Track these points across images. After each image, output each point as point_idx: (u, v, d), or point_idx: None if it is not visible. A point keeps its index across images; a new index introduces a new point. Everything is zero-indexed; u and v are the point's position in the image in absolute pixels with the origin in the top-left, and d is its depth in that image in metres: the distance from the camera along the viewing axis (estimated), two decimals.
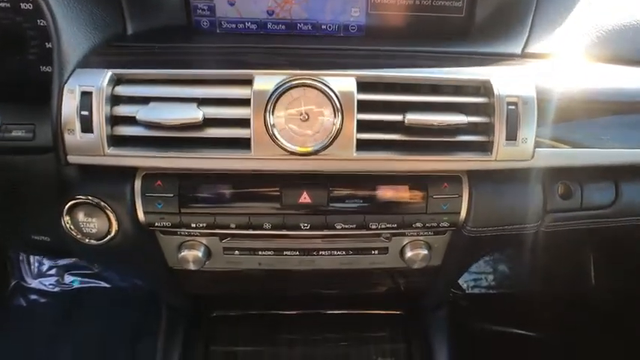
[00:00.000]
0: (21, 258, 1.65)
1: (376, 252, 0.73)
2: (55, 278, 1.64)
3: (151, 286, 0.83)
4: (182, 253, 0.70)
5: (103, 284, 1.64)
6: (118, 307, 1.56)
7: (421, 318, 0.85)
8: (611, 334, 1.42)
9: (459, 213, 0.68)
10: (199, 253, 0.70)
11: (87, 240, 0.65)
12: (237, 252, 0.71)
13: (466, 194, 0.67)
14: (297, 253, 0.72)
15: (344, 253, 0.72)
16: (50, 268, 1.67)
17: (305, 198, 0.66)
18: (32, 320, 1.50)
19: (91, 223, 0.64)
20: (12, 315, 1.53)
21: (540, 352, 1.47)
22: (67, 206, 0.63)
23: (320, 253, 0.72)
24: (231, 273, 0.75)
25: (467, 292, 1.65)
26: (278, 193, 0.64)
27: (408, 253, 0.72)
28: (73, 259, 1.68)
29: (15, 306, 1.56)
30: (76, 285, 1.63)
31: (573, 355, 1.44)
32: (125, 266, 0.75)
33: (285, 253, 0.71)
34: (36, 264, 1.67)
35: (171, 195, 0.64)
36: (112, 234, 0.65)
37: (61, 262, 1.68)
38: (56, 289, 1.62)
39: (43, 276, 1.65)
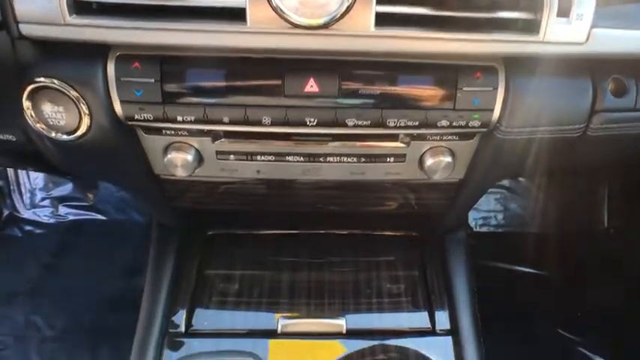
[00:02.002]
0: (12, 188, 1.60)
1: (392, 160, 0.63)
2: (50, 210, 1.60)
3: (138, 198, 0.74)
4: (169, 156, 0.61)
5: (99, 217, 1.60)
6: (115, 240, 1.52)
7: (437, 241, 0.77)
8: (619, 276, 1.38)
9: (492, 110, 0.58)
10: (189, 157, 0.61)
11: (55, 134, 0.56)
12: (232, 157, 0.62)
13: (502, 87, 0.56)
14: (302, 159, 0.62)
15: (355, 160, 0.63)
16: (43, 199, 1.62)
17: (312, 86, 0.56)
18: (28, 250, 1.47)
19: (58, 114, 0.54)
20: (7, 245, 1.49)
21: (547, 290, 1.43)
22: (26, 91, 0.53)
23: (327, 159, 0.62)
24: (226, 184, 0.67)
25: (475, 230, 1.61)
26: (279, 81, 0.54)
27: (429, 161, 0.62)
28: (67, 191, 1.63)
29: (9, 236, 1.52)
30: (71, 217, 1.59)
31: (580, 294, 1.40)
32: (106, 173, 0.66)
33: (287, 158, 0.62)
34: (28, 194, 1.62)
35: (152, 80, 0.54)
36: (84, 129, 0.55)
37: (55, 192, 1.62)
38: (51, 221, 1.58)
39: (36, 207, 1.60)
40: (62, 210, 1.59)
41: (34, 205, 1.59)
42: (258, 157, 0.61)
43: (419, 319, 0.68)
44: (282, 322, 0.66)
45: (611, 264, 1.45)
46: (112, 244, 1.50)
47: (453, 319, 0.67)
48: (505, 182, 1.70)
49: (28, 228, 1.55)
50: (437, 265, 0.73)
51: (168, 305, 0.71)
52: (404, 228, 0.79)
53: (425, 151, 0.62)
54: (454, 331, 0.66)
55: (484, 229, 1.63)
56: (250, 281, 0.74)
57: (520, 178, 1.70)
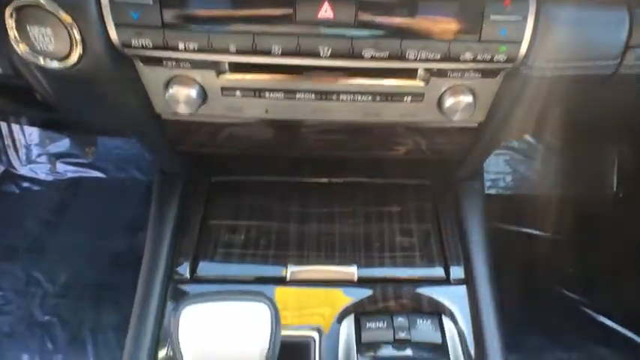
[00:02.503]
0: (7, 143, 1.55)
1: (409, 99, 0.59)
2: (47, 166, 1.56)
3: (138, 142, 0.70)
4: (170, 91, 0.56)
5: (99, 174, 1.56)
6: (115, 198, 1.49)
7: (451, 190, 0.73)
8: (624, 240, 1.37)
9: (520, 42, 0.53)
10: (192, 92, 0.56)
11: (43, 61, 0.51)
12: (238, 93, 0.57)
13: (532, 17, 0.52)
14: (312, 96, 0.58)
15: (370, 98, 0.58)
16: (40, 155, 1.58)
17: (326, 11, 0.51)
18: (26, 207, 1.44)
19: (46, 37, 0.50)
20: (4, 201, 1.46)
21: (553, 252, 1.42)
22: (9, 11, 0.48)
23: (340, 97, 0.58)
24: (232, 126, 0.63)
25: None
26: (291, 5, 0.49)
27: (448, 101, 0.58)
28: (64, 147, 1.59)
29: (6, 193, 1.49)
30: (69, 175, 1.55)
31: (585, 256, 1.40)
32: (103, 113, 0.62)
33: (297, 96, 0.58)
34: (24, 150, 1.58)
35: (151, 1, 0.49)
36: (76, 57, 0.50)
37: (52, 149, 1.58)
38: (50, 178, 1.54)
39: (33, 163, 1.56)
40: (60, 167, 1.55)
41: (30, 162, 1.55)
42: (266, 94, 0.56)
43: (432, 269, 0.65)
44: (291, 268, 0.64)
45: (618, 228, 1.43)
46: (113, 202, 1.47)
47: (468, 269, 0.64)
48: (515, 144, 1.67)
49: (25, 185, 1.52)
50: (451, 215, 0.70)
51: (171, 255, 0.68)
52: (417, 177, 0.76)
53: (444, 91, 0.57)
54: (469, 281, 0.63)
55: (492, 192, 1.61)
56: (257, 232, 0.70)
57: (531, 140, 1.67)
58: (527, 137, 1.66)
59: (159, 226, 0.69)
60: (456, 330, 0.58)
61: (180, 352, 0.40)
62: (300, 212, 0.73)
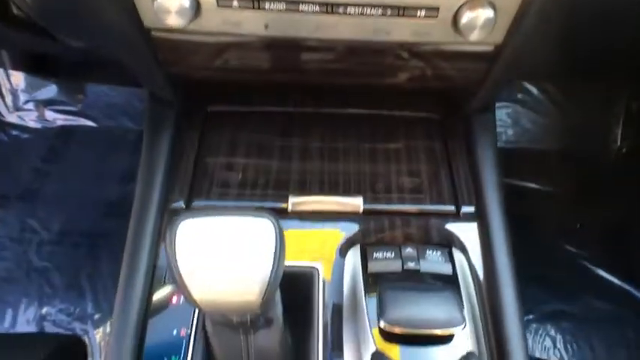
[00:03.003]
0: None
1: (422, 13, 0.54)
2: (35, 113, 1.50)
3: (127, 64, 0.64)
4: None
5: (89, 123, 1.51)
6: (107, 147, 1.45)
7: (462, 123, 0.69)
8: (625, 195, 1.35)
9: None
10: (184, 0, 0.51)
11: None
12: (235, 3, 0.52)
13: None
14: (317, 8, 0.53)
15: (380, 12, 0.53)
16: (27, 101, 1.51)
17: None
18: (16, 154, 1.40)
19: None
20: None
21: (553, 205, 1.41)
22: None
23: (347, 10, 0.53)
24: (229, 47, 0.58)
25: None
26: None
27: (465, 17, 0.53)
28: (52, 93, 1.52)
29: None
30: (59, 122, 1.50)
31: (586, 210, 1.39)
32: (84, 25, 0.56)
33: (300, 8, 0.53)
34: (10, 97, 1.51)
35: None
36: None
37: (39, 95, 1.51)
38: (39, 126, 1.49)
39: (20, 110, 1.50)
40: (49, 115, 1.49)
41: (17, 108, 1.49)
42: (267, 5, 0.51)
43: (442, 205, 0.62)
44: (292, 199, 0.60)
45: (621, 183, 1.42)
46: (105, 151, 1.43)
47: (480, 204, 0.61)
48: (518, 95, 1.62)
49: (14, 132, 1.46)
50: (462, 149, 0.66)
51: (164, 192, 0.63)
52: (425, 109, 0.71)
53: (462, 4, 0.52)
54: (480, 215, 0.60)
55: None
56: (256, 169, 0.66)
57: (534, 91, 1.62)
58: (532, 88, 1.61)
59: (150, 160, 0.64)
60: (467, 262, 0.56)
61: (178, 269, 0.37)
62: (301, 147, 0.68)
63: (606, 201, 1.40)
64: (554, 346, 1.20)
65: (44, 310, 1.12)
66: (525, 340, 0.53)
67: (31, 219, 1.25)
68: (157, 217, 0.60)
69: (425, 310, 0.46)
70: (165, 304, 0.52)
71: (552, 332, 1.21)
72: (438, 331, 0.45)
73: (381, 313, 0.46)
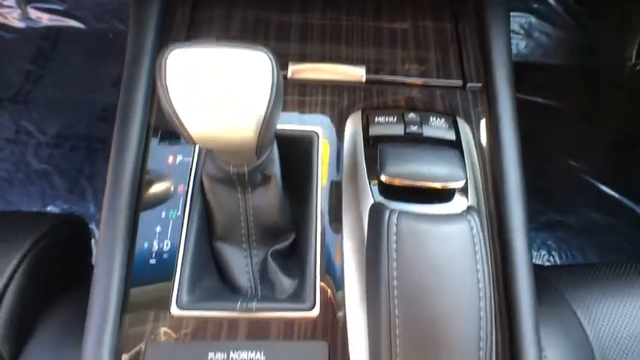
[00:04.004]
0: None
1: None
2: (18, 11, 1.39)
3: None
4: None
5: (78, 24, 1.41)
6: (98, 50, 1.37)
7: (474, 4, 0.63)
8: (634, 112, 1.32)
9: None
10: None
11: None
12: None
13: None
14: None
15: None
16: None
17: None
18: (4, 56, 1.32)
19: None
20: None
21: (561, 121, 1.38)
22: None
23: None
24: None
25: None
26: None
27: None
28: None
29: None
30: (45, 22, 1.40)
31: (593, 127, 1.36)
32: None
33: None
34: None
35: None
36: None
37: None
38: (23, 25, 1.39)
39: (1, 7, 1.39)
40: (32, 13, 1.39)
41: None
42: None
43: (449, 79, 0.58)
44: (292, 67, 0.56)
45: (630, 101, 1.38)
46: (96, 55, 1.35)
47: (488, 78, 0.57)
48: (533, 5, 1.53)
49: None
50: (471, 29, 0.61)
51: (154, 64, 0.58)
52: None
53: None
54: (488, 89, 0.57)
55: None
56: (253, 40, 0.60)
57: (551, 1, 1.52)
58: None
59: (138, 37, 0.58)
60: (471, 131, 0.54)
61: (170, 102, 0.34)
62: (301, 24, 0.62)
63: (615, 119, 1.37)
64: (549, 254, 1.23)
65: (48, 210, 1.12)
66: (526, 205, 0.52)
67: (25, 122, 1.21)
68: (147, 89, 0.54)
69: (426, 165, 0.45)
70: (161, 163, 0.50)
71: (548, 241, 1.24)
72: (439, 185, 0.44)
73: (381, 167, 0.44)
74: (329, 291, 0.45)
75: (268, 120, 0.36)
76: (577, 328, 0.59)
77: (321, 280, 0.45)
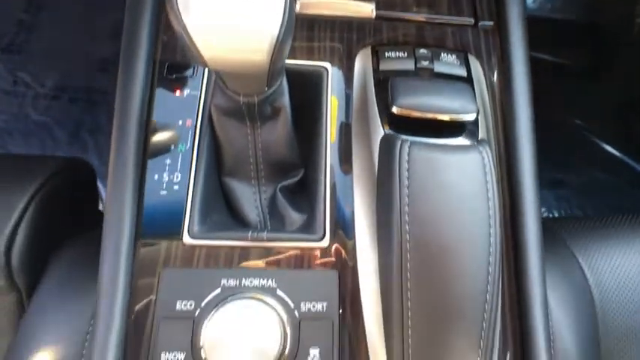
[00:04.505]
0: None
1: None
2: None
3: None
4: None
5: None
6: (93, 0, 1.32)
7: None
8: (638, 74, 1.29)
9: None
10: None
11: None
12: None
13: None
14: None
15: None
16: None
17: None
18: None
19: None
20: None
21: (567, 79, 1.36)
22: None
23: None
24: None
25: None
26: None
27: None
28: None
29: None
30: None
31: (599, 86, 1.34)
32: None
33: None
34: None
35: None
36: None
37: None
38: None
39: None
40: None
41: None
42: None
43: (460, 13, 0.56)
44: (301, 1, 0.54)
45: (638, 58, 1.35)
46: (92, 4, 1.30)
47: (500, 17, 0.56)
48: None
49: None
50: None
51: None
52: None
53: None
54: (500, 26, 0.56)
55: None
56: None
57: None
58: None
59: None
60: (482, 69, 0.53)
61: (182, 21, 0.33)
62: None
63: (621, 77, 1.35)
64: (549, 212, 1.24)
65: None
66: (535, 146, 0.52)
67: (22, 72, 1.19)
68: (152, 17, 0.52)
69: (438, 97, 0.45)
70: (169, 95, 0.49)
71: (549, 199, 1.24)
72: (450, 117, 0.44)
73: (392, 99, 0.44)
74: (339, 222, 0.45)
75: (281, 41, 0.35)
76: (578, 274, 0.60)
77: (331, 212, 0.46)
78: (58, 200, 0.58)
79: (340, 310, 0.42)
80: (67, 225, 0.60)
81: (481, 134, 0.48)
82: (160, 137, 0.48)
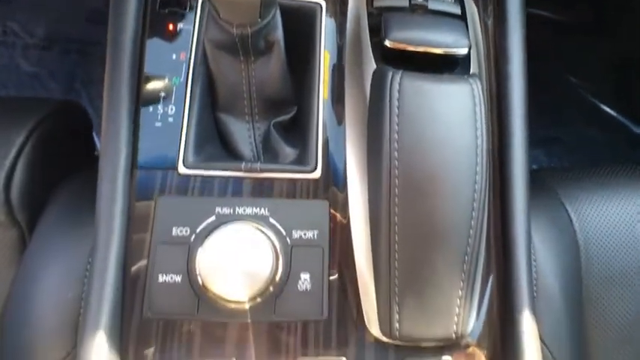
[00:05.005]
0: None
1: None
2: None
3: None
4: None
5: None
6: None
7: None
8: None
9: None
10: None
11: None
12: None
13: None
14: None
15: None
16: None
17: None
18: None
19: None
20: None
21: (564, 37, 1.33)
22: None
23: None
24: None
25: None
26: None
27: None
28: None
29: None
30: None
31: (595, 44, 1.31)
32: None
33: None
34: None
35: None
36: None
37: None
38: None
39: None
40: None
41: None
42: None
43: None
44: None
45: (638, 17, 1.32)
46: None
47: None
48: None
49: None
50: None
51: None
52: None
53: None
54: None
55: None
56: None
57: None
58: None
59: None
60: (477, 8, 0.53)
61: None
62: None
63: (620, 36, 1.33)
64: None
65: None
66: (527, 86, 0.52)
67: (11, 22, 1.16)
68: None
69: (430, 31, 0.45)
70: (162, 29, 0.49)
71: (541, 156, 1.25)
72: (442, 50, 0.44)
73: (385, 33, 0.45)
74: (330, 155, 0.46)
75: None
76: (565, 220, 0.61)
77: (323, 145, 0.47)
78: (55, 138, 0.59)
79: (330, 238, 0.44)
80: (65, 165, 0.61)
81: (472, 70, 0.49)
82: (153, 70, 0.48)
